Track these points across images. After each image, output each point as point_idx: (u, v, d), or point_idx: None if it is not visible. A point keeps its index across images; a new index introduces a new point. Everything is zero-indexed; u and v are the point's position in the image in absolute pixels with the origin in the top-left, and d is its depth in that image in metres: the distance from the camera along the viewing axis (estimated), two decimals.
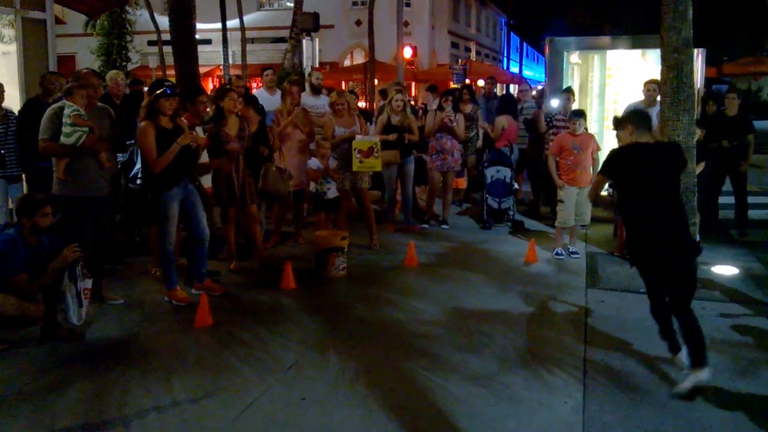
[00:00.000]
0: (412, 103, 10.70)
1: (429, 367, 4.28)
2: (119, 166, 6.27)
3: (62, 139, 5.04)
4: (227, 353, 4.53)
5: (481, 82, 18.35)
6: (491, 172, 8.48)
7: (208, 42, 25.55)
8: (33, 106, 6.70)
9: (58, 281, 4.52)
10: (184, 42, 10.72)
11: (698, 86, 8.34)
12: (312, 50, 16.59)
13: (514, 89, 33.62)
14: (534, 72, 51.68)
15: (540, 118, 8.90)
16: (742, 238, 7.90)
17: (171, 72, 15.03)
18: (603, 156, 7.85)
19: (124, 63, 25.16)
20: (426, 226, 8.33)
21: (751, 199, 8.35)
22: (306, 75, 12.01)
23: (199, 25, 12.64)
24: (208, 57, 24.37)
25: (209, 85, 23.83)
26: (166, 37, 13.55)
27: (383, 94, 11.42)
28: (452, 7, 34.24)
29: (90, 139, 5.12)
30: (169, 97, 5.22)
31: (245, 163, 6.36)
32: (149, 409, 3.74)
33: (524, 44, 51.80)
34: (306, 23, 16.80)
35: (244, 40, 23.49)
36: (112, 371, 4.22)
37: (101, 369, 4.26)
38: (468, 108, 9.13)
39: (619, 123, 4.48)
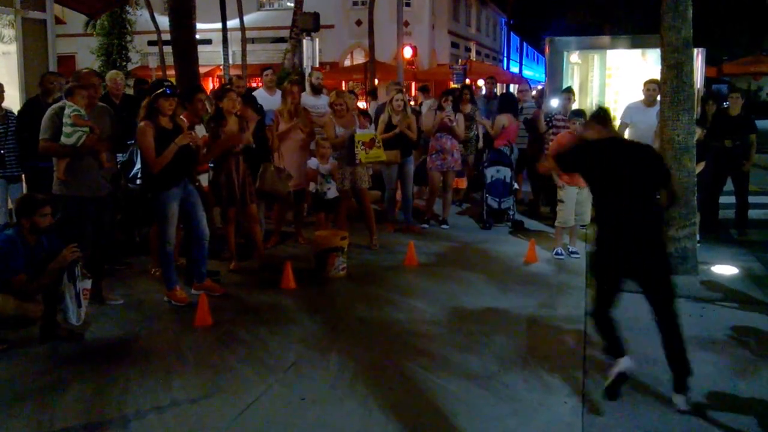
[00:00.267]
0: (412, 103, 10.67)
1: (429, 367, 4.28)
2: (119, 166, 6.28)
3: (62, 139, 5.04)
4: (227, 353, 4.53)
5: (481, 82, 18.33)
6: (491, 172, 8.47)
7: (208, 42, 25.54)
8: (33, 106, 6.70)
9: (58, 281, 4.51)
10: (184, 42, 10.71)
11: (698, 86, 8.34)
12: (312, 50, 16.57)
13: (514, 89, 33.67)
14: (534, 72, 51.67)
15: (540, 118, 8.90)
16: (742, 237, 7.90)
17: (171, 72, 15.02)
18: None
19: (124, 63, 25.15)
20: (426, 225, 8.33)
21: (750, 199, 8.35)
22: (306, 75, 12.02)
23: (199, 25, 12.60)
24: (208, 57, 24.35)
25: (209, 85, 23.81)
26: (166, 37, 13.55)
27: (373, 94, 11.45)
28: (452, 7, 34.24)
29: (90, 139, 5.13)
30: (168, 97, 5.22)
31: (245, 163, 6.36)
32: (149, 409, 3.74)
33: (524, 44, 51.79)
34: (306, 23, 16.79)
35: (244, 40, 23.49)
36: (111, 371, 4.22)
37: (101, 369, 4.26)
38: (467, 108, 9.13)
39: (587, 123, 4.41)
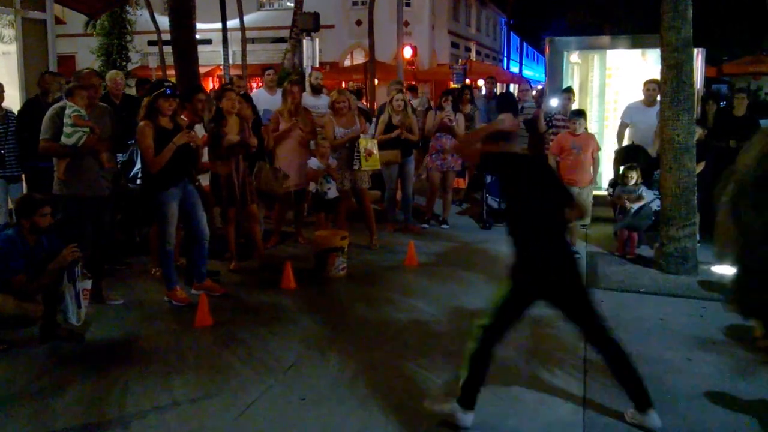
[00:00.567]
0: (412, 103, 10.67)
1: (429, 367, 4.28)
2: (119, 166, 6.28)
3: (63, 139, 5.05)
4: (227, 353, 4.53)
5: (481, 82, 18.34)
6: None
7: (208, 42, 25.55)
8: (33, 106, 6.71)
9: (58, 282, 4.52)
10: (184, 42, 10.70)
11: (698, 86, 8.33)
12: (312, 50, 16.56)
13: (514, 89, 33.67)
14: (534, 72, 51.67)
15: (540, 118, 8.90)
16: None
17: (171, 72, 15.02)
18: (603, 156, 7.93)
19: (124, 63, 25.16)
20: (426, 225, 8.33)
21: None
22: (306, 75, 12.01)
23: (199, 25, 12.61)
24: (208, 57, 24.36)
25: (209, 85, 23.81)
26: (166, 37, 13.53)
27: (359, 94, 11.41)
28: (452, 6, 34.24)
29: (90, 139, 5.13)
30: (168, 97, 5.22)
31: (245, 163, 6.36)
32: (149, 409, 3.74)
33: (524, 44, 51.78)
34: (306, 23, 16.79)
35: (245, 40, 23.49)
36: (111, 371, 4.22)
37: (101, 369, 4.26)
38: (467, 108, 9.13)
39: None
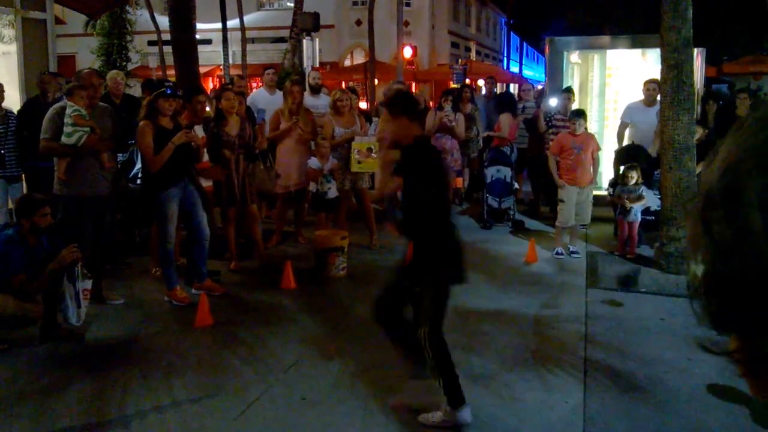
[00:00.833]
0: None
1: None
2: (119, 165, 6.28)
3: (63, 139, 5.05)
4: (227, 353, 4.53)
5: (481, 82, 18.33)
6: (491, 172, 8.47)
7: (208, 42, 25.54)
8: (33, 106, 6.71)
9: (58, 282, 4.52)
10: (184, 42, 10.70)
11: (698, 86, 8.33)
12: (312, 50, 16.56)
13: (514, 88, 33.66)
14: (534, 72, 51.66)
15: (539, 118, 8.90)
16: None
17: (171, 72, 15.02)
18: (603, 156, 7.93)
19: (125, 63, 25.13)
20: None
21: None
22: (306, 75, 12.01)
23: (199, 25, 12.62)
24: (208, 57, 24.35)
25: (209, 85, 23.83)
26: (166, 37, 13.55)
27: (354, 92, 11.35)
28: (452, 6, 34.23)
29: (91, 139, 5.13)
30: (168, 97, 5.22)
31: (245, 163, 6.36)
32: (149, 409, 3.74)
33: (524, 44, 51.77)
34: (306, 23, 16.78)
35: (244, 40, 23.49)
36: (112, 371, 4.22)
37: (101, 369, 4.26)
38: (468, 108, 9.14)
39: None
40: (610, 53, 9.78)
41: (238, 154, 6.24)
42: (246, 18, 24.42)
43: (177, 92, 5.42)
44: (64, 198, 5.18)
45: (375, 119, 8.62)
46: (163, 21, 17.38)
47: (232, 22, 23.27)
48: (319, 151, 7.19)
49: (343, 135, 7.15)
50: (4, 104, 6.63)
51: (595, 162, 7.09)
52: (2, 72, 8.24)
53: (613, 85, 9.78)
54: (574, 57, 9.93)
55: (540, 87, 14.03)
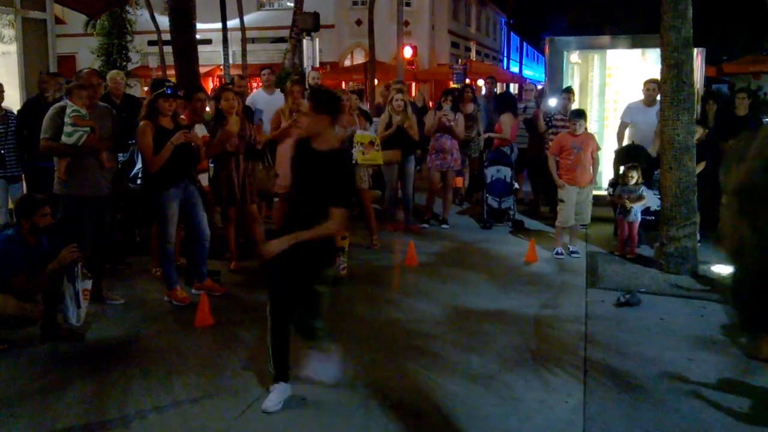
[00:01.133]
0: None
1: (429, 367, 4.28)
2: (119, 165, 6.28)
3: (63, 138, 5.05)
4: (227, 353, 4.53)
5: (481, 82, 18.33)
6: (491, 172, 8.48)
7: (208, 42, 25.56)
8: (32, 105, 6.71)
9: (58, 282, 4.52)
10: (184, 42, 10.71)
11: (698, 85, 8.33)
12: (312, 50, 16.58)
13: (514, 88, 33.65)
14: (534, 72, 51.67)
15: (539, 118, 8.90)
16: None
17: (171, 72, 15.02)
18: (603, 156, 7.93)
19: (125, 63, 25.16)
20: (426, 225, 8.33)
21: None
22: (306, 75, 12.02)
23: (199, 25, 12.62)
24: (208, 57, 24.37)
25: (209, 85, 23.84)
26: (167, 37, 13.55)
27: (360, 94, 11.34)
28: (452, 6, 34.25)
29: (91, 138, 5.13)
30: (168, 97, 5.22)
31: (245, 163, 6.36)
32: (149, 409, 3.74)
33: (524, 44, 51.78)
34: (306, 23, 16.80)
35: (245, 40, 23.50)
36: (112, 371, 4.22)
37: (101, 369, 4.26)
38: (469, 108, 9.13)
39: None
40: (610, 53, 9.78)
41: (238, 154, 6.23)
42: (246, 18, 24.43)
43: (177, 92, 5.41)
44: (64, 198, 5.18)
45: (375, 119, 8.62)
46: (163, 21, 17.39)
47: (232, 22, 23.29)
48: None
49: (340, 134, 7.15)
50: (4, 104, 6.63)
51: (595, 162, 7.09)
52: (2, 72, 8.25)
53: (613, 85, 9.78)
54: (574, 57, 9.93)
55: (540, 87, 14.02)
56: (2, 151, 6.49)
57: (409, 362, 4.35)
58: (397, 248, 7.23)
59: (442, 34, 32.48)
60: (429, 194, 8.58)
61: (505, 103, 9.90)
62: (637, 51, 9.56)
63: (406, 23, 24.52)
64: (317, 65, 16.83)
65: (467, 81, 21.87)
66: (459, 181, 9.92)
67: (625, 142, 8.11)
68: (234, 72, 21.64)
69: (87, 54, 25.31)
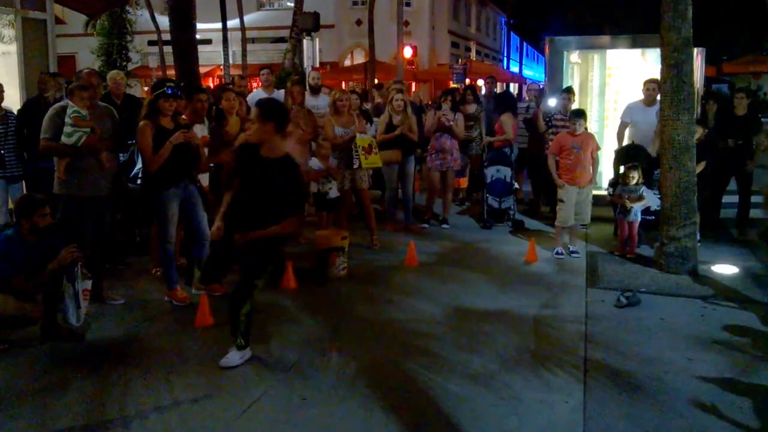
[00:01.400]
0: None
1: (429, 367, 4.28)
2: (120, 165, 6.28)
3: (63, 138, 5.05)
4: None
5: (480, 82, 18.34)
6: (491, 172, 8.48)
7: (208, 42, 25.56)
8: (32, 105, 6.71)
9: (58, 282, 4.51)
10: (185, 42, 10.71)
11: (698, 85, 8.33)
12: (312, 50, 16.57)
13: (514, 88, 33.65)
14: (534, 72, 51.67)
15: (539, 118, 8.90)
16: (742, 237, 7.89)
17: (171, 72, 15.02)
18: (603, 156, 7.94)
19: (125, 63, 25.15)
20: (426, 225, 8.33)
21: (751, 198, 8.34)
22: (306, 75, 12.01)
23: (199, 25, 12.63)
24: (208, 57, 24.37)
25: (209, 85, 23.85)
26: (167, 37, 13.55)
27: (365, 96, 11.30)
28: (452, 6, 34.25)
29: (91, 139, 5.13)
30: (168, 97, 5.22)
31: None
32: (150, 409, 3.74)
33: (524, 44, 51.78)
34: (306, 23, 16.79)
35: (245, 40, 23.51)
36: (112, 371, 4.22)
37: (102, 369, 4.26)
38: (472, 108, 9.13)
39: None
40: (610, 53, 9.78)
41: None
42: (246, 18, 24.45)
43: (178, 92, 5.41)
44: (64, 198, 5.18)
45: (375, 119, 8.62)
46: (163, 21, 17.41)
47: (232, 22, 23.30)
48: (320, 152, 7.19)
49: (343, 135, 7.15)
50: (4, 104, 6.63)
51: (595, 162, 7.09)
52: (2, 72, 8.25)
53: (613, 85, 9.78)
54: (574, 57, 9.93)
55: (540, 87, 14.03)
56: (2, 151, 6.49)
57: (409, 362, 4.35)
58: (397, 248, 7.23)
59: (442, 34, 32.49)
60: (429, 194, 8.58)
61: (505, 103, 9.90)
62: (637, 51, 9.57)
63: (406, 23, 24.52)
64: (317, 65, 16.82)
65: (467, 81, 21.89)
66: (463, 182, 9.92)
67: (625, 142, 8.11)
68: (234, 72, 21.65)
69: (87, 54, 25.31)
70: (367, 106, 9.77)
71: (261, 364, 4.34)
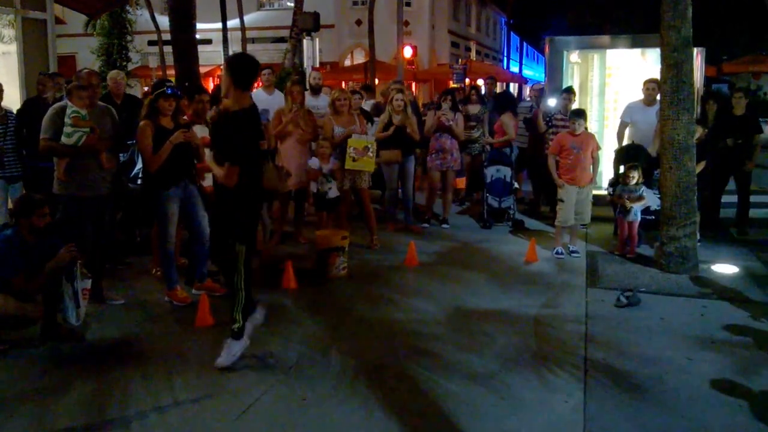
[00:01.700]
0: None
1: (430, 367, 4.28)
2: (120, 165, 6.28)
3: (63, 139, 5.05)
4: None
5: (480, 82, 18.33)
6: (491, 172, 8.48)
7: (208, 42, 25.55)
8: (31, 105, 6.71)
9: (57, 281, 4.51)
10: (185, 42, 10.72)
11: (698, 85, 8.33)
12: (312, 50, 16.58)
13: (514, 88, 33.65)
14: (534, 72, 51.66)
15: (538, 118, 8.90)
16: (742, 236, 7.89)
17: (171, 72, 15.02)
18: (603, 156, 7.93)
19: (125, 63, 25.11)
20: (426, 225, 8.33)
21: (750, 198, 8.34)
22: (307, 75, 12.01)
23: (199, 25, 12.63)
24: (208, 57, 24.34)
25: (210, 85, 23.83)
26: (167, 37, 13.55)
27: (368, 89, 11.22)
28: (452, 6, 34.23)
29: (91, 139, 5.13)
30: (168, 97, 5.22)
31: None
32: (150, 409, 3.74)
33: (524, 44, 51.77)
34: (306, 23, 16.78)
35: (245, 40, 23.51)
36: (112, 371, 4.22)
37: (102, 369, 4.26)
38: (475, 109, 9.13)
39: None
40: (610, 53, 9.79)
41: None
42: (246, 18, 24.45)
43: (178, 92, 5.41)
44: (64, 198, 5.18)
45: (376, 119, 8.62)
46: (163, 21, 17.40)
47: (232, 22, 23.29)
48: (320, 152, 7.19)
49: (340, 134, 7.15)
50: (4, 104, 6.63)
51: (595, 161, 7.09)
52: (2, 72, 8.25)
53: (613, 84, 9.79)
54: (574, 57, 9.93)
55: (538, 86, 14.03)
56: (4, 145, 6.48)
57: (409, 362, 4.36)
58: (397, 248, 7.23)
59: (442, 34, 32.48)
60: (429, 194, 8.58)
61: (505, 102, 9.90)
62: (637, 51, 9.57)
63: (406, 23, 24.52)
64: (317, 65, 16.83)
65: (467, 81, 21.90)
66: (460, 182, 9.91)
67: (625, 142, 8.12)
68: None
69: (87, 54, 25.27)
70: (367, 102, 9.72)
71: (261, 364, 4.34)
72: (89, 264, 4.83)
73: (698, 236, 6.71)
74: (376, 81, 21.09)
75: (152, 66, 25.30)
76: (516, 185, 8.81)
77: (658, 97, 6.82)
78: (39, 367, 4.30)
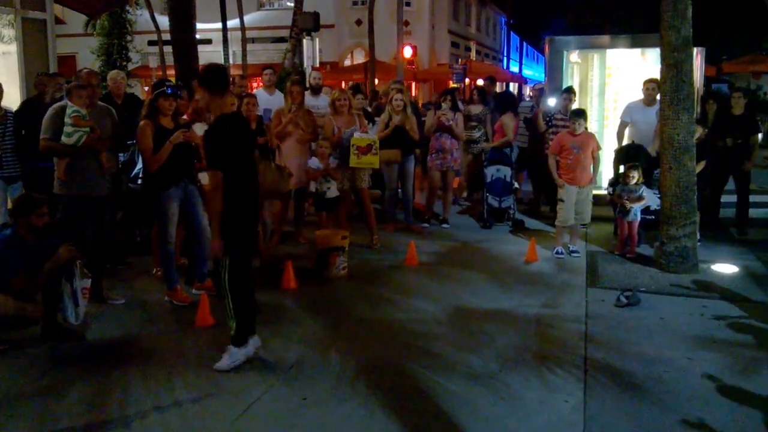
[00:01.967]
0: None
1: (430, 367, 4.28)
2: (120, 165, 6.28)
3: (63, 138, 5.06)
4: None
5: (480, 82, 18.34)
6: (491, 172, 8.48)
7: (208, 42, 25.51)
8: (30, 106, 6.71)
9: (57, 281, 4.51)
10: (185, 42, 10.72)
11: (698, 85, 8.33)
12: (312, 50, 16.59)
13: (514, 88, 33.65)
14: (534, 71, 51.67)
15: (538, 118, 8.90)
16: (741, 236, 7.89)
17: (171, 72, 15.03)
18: (603, 156, 7.93)
19: (125, 63, 25.12)
20: (426, 225, 8.33)
21: (750, 198, 8.34)
22: (307, 75, 12.01)
23: (199, 25, 12.64)
24: (208, 57, 24.07)
25: None
26: (167, 37, 13.55)
27: (374, 96, 11.22)
28: (452, 6, 34.23)
29: (91, 139, 5.13)
30: (168, 97, 5.23)
31: None
32: (150, 409, 3.74)
33: (524, 44, 51.77)
34: (306, 23, 16.79)
35: (245, 40, 23.49)
36: (112, 371, 4.22)
37: (102, 369, 4.26)
38: (477, 109, 9.12)
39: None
40: (610, 53, 9.78)
41: None
42: (246, 18, 24.43)
43: (178, 92, 5.41)
44: (64, 198, 5.18)
45: (376, 119, 8.62)
46: (163, 21, 17.39)
47: (232, 22, 23.28)
48: (319, 152, 7.19)
49: (339, 133, 7.15)
50: (4, 104, 6.62)
51: (595, 161, 7.09)
52: (2, 72, 8.25)
53: (613, 84, 9.78)
54: (574, 56, 9.93)
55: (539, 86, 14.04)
56: (1, 152, 6.48)
57: (409, 362, 4.36)
58: (397, 248, 7.23)
59: (442, 34, 32.48)
60: (429, 194, 8.58)
61: (505, 102, 9.89)
62: (637, 51, 9.57)
63: (406, 23, 24.52)
64: (317, 65, 16.84)
65: (467, 81, 21.91)
66: (456, 182, 9.91)
67: (625, 142, 8.12)
68: (234, 72, 21.62)
69: (87, 54, 25.28)
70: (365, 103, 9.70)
71: (261, 364, 4.34)
72: (89, 264, 4.83)
73: (698, 236, 6.71)
74: (376, 81, 21.09)
75: (152, 66, 25.29)
76: (516, 185, 8.81)
77: (658, 96, 6.82)
78: (39, 367, 4.30)
